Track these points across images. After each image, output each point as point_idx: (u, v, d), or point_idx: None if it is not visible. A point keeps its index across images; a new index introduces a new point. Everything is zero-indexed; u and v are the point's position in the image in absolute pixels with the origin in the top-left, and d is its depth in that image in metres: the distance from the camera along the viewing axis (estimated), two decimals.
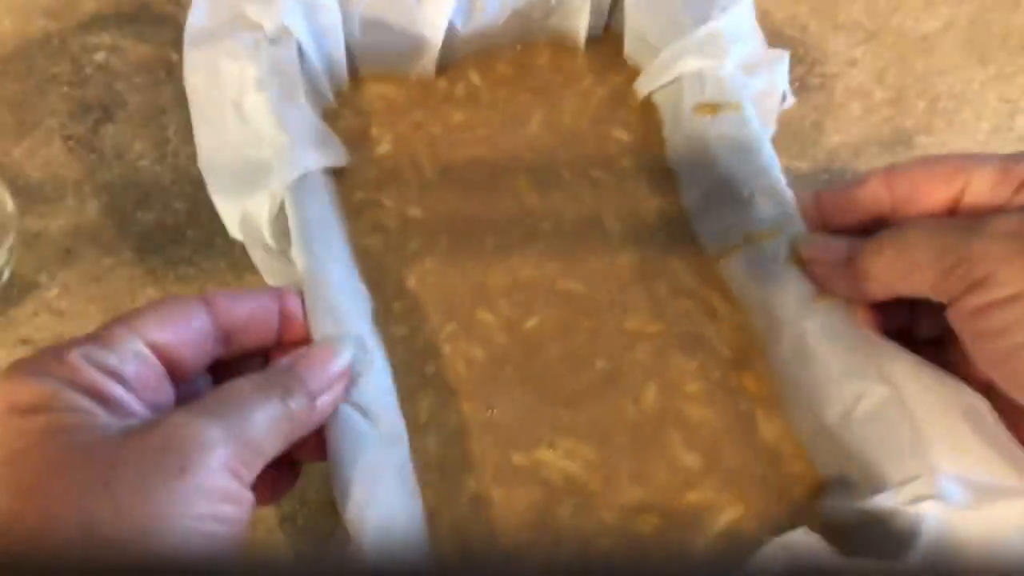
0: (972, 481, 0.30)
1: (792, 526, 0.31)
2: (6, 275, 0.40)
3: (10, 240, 0.40)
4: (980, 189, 0.29)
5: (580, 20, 0.43)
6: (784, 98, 0.41)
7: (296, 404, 0.28)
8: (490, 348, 0.36)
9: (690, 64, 0.40)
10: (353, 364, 0.31)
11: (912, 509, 0.30)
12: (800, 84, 0.48)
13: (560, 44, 0.44)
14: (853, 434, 0.32)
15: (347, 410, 0.30)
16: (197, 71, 0.37)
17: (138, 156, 0.45)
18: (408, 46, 0.41)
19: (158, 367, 0.28)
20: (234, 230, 0.35)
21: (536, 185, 0.39)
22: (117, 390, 0.26)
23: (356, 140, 0.40)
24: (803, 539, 0.30)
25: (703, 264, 0.38)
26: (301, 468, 0.32)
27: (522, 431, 0.34)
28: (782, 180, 0.37)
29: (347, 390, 0.31)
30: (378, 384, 0.32)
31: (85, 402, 0.25)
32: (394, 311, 0.36)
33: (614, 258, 0.38)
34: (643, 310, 0.37)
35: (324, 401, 0.29)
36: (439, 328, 0.36)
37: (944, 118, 0.48)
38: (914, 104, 0.48)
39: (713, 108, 0.39)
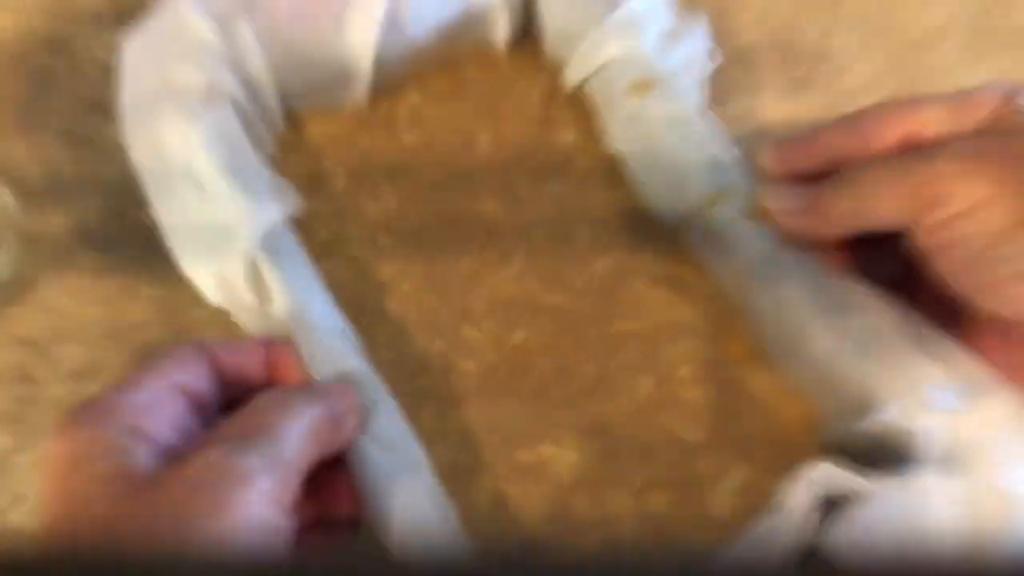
0: (958, 388, 0.32)
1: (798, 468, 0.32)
2: (6, 274, 0.40)
3: (10, 239, 0.40)
4: (932, 127, 0.31)
5: (500, 25, 0.43)
6: (711, 60, 0.41)
7: (325, 411, 0.29)
8: (480, 362, 0.37)
9: (611, 49, 0.40)
10: (363, 400, 0.32)
11: (910, 423, 0.31)
12: (801, 83, 0.48)
13: (484, 52, 0.44)
14: (840, 367, 0.34)
15: (368, 447, 0.31)
16: (140, 146, 0.37)
17: None
18: (339, 78, 0.41)
19: (186, 404, 0.29)
20: (213, 296, 0.36)
21: (500, 206, 0.40)
22: (154, 427, 0.27)
23: (309, 182, 0.40)
24: (823, 468, 0.31)
25: (670, 245, 0.39)
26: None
27: (524, 431, 0.35)
28: (723, 144, 0.38)
29: (363, 425, 0.31)
30: (389, 416, 0.32)
31: (128, 442, 0.26)
32: (378, 338, 0.37)
33: (590, 266, 0.39)
34: (626, 311, 0.38)
35: (347, 421, 0.30)
36: (427, 347, 0.37)
37: None
38: None
39: (642, 88, 0.39)
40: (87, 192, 0.43)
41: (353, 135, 0.42)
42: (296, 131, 0.42)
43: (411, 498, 0.30)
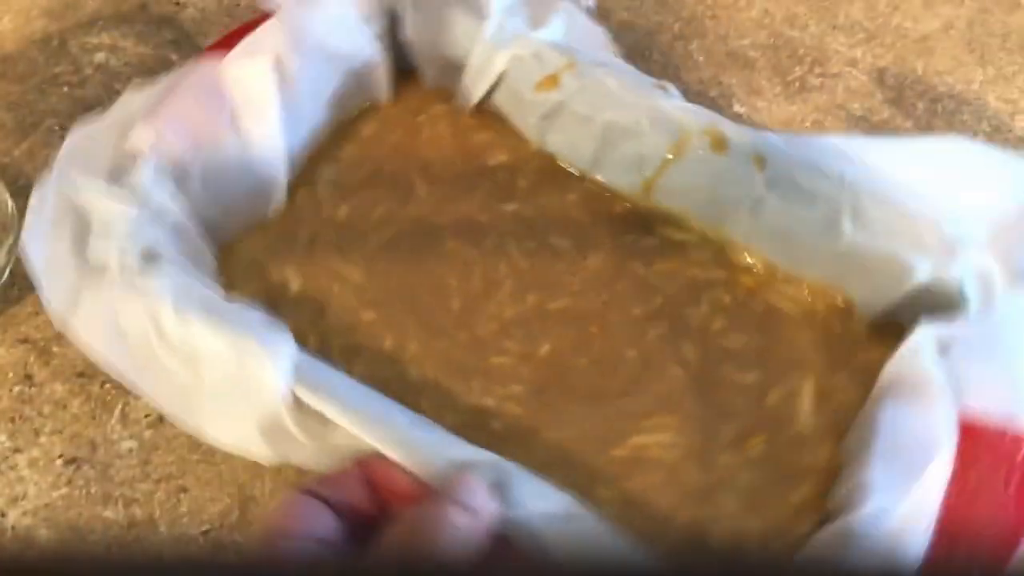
0: (979, 217, 0.35)
1: (856, 354, 0.36)
2: (7, 275, 0.40)
3: (11, 240, 0.40)
4: None
5: (383, 76, 0.42)
6: (587, 10, 0.42)
7: (463, 511, 0.28)
8: (524, 382, 0.36)
9: (499, 60, 0.40)
10: (488, 478, 0.30)
11: (951, 271, 0.35)
12: (800, 84, 0.48)
13: (374, 105, 0.43)
14: (855, 247, 0.36)
15: (525, 518, 0.30)
16: (97, 335, 0.33)
17: None
18: (258, 190, 0.39)
19: (330, 554, 0.28)
20: (265, 455, 0.33)
21: (466, 241, 0.40)
22: None
23: (268, 298, 0.37)
24: (923, 329, 0.33)
25: (648, 217, 0.40)
26: None
27: (607, 432, 0.35)
28: (658, 91, 0.39)
29: (504, 500, 0.30)
30: (518, 478, 0.31)
31: None
32: (427, 409, 0.35)
33: (582, 266, 0.39)
34: (637, 294, 0.38)
35: (484, 508, 0.29)
36: (468, 393, 0.36)
37: (944, 119, 0.48)
38: (914, 104, 0.48)
39: (552, 81, 0.40)
40: None
41: (285, 235, 0.39)
42: (229, 258, 0.39)
43: (596, 545, 0.30)
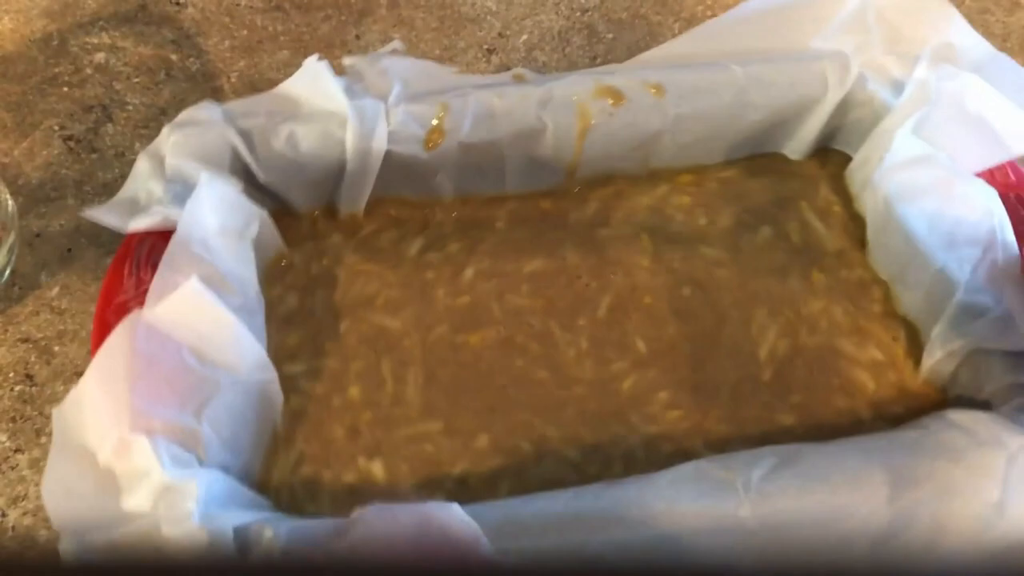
0: (837, 28, 0.40)
1: (819, 177, 0.41)
2: (7, 274, 0.40)
3: (11, 239, 0.40)
4: None
5: (271, 228, 0.38)
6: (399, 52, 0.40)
7: None
8: (663, 385, 0.36)
9: (376, 145, 0.38)
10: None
11: (855, 85, 0.39)
12: None
13: (270, 263, 0.39)
14: (768, 113, 0.40)
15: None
16: None
17: (138, 156, 0.44)
18: (263, 412, 0.34)
19: None
20: None
21: (482, 327, 0.38)
22: None
23: (362, 499, 0.31)
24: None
25: (574, 191, 0.41)
26: None
27: (733, 401, 0.36)
28: (525, 83, 0.39)
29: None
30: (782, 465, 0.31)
31: None
32: (620, 471, 0.34)
33: (580, 266, 0.39)
34: (641, 249, 0.39)
35: None
36: (633, 431, 0.35)
37: None
38: None
39: (437, 132, 0.38)
40: (87, 192, 0.43)
41: (322, 441, 0.35)
42: (275, 493, 0.34)
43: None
